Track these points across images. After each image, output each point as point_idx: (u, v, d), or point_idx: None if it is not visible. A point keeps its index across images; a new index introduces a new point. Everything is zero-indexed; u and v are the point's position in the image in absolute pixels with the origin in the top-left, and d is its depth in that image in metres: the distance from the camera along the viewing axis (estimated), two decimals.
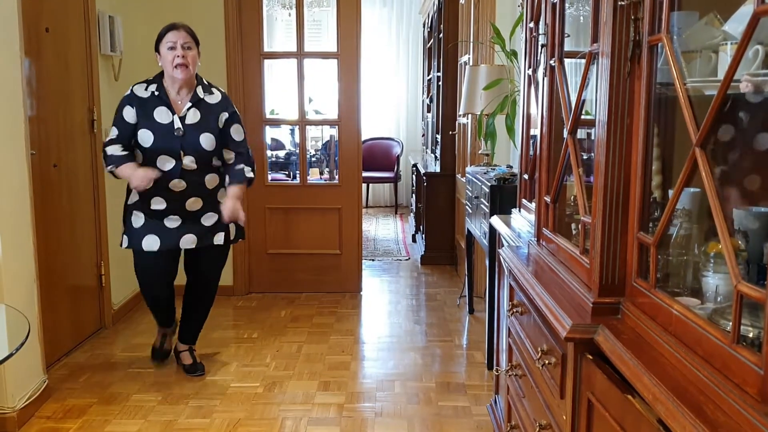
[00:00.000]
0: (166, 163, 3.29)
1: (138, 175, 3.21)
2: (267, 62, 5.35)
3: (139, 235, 3.37)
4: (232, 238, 3.54)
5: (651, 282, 1.42)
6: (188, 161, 3.30)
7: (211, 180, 3.41)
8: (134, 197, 3.39)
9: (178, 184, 3.32)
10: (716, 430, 1.02)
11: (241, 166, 3.41)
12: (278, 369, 3.75)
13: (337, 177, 5.30)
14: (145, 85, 3.35)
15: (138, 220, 3.38)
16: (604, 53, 1.53)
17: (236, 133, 3.43)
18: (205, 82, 3.44)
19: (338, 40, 5.03)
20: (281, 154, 8.38)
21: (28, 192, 3.21)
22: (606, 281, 1.56)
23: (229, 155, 3.44)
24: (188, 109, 3.32)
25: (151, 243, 3.35)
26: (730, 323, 1.12)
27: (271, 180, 5.55)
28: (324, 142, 8.64)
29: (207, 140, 3.33)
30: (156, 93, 3.31)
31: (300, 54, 5.04)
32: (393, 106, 9.76)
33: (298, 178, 5.45)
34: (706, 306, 1.32)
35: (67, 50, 3.90)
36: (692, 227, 1.43)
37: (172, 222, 3.38)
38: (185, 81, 3.31)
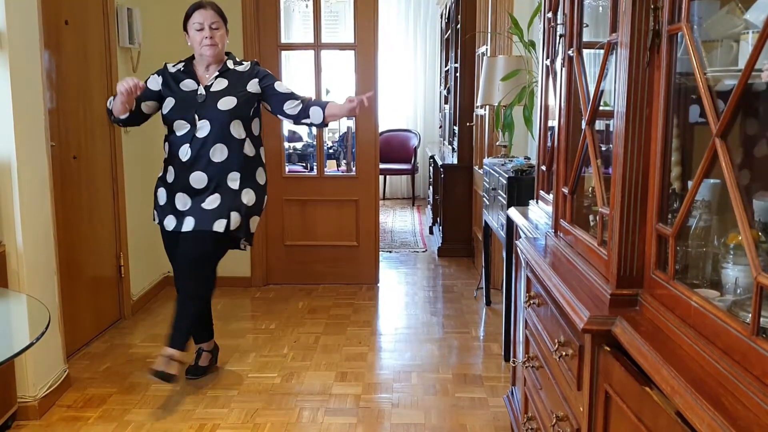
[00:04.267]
0: (181, 128, 3.23)
1: (122, 84, 3.07)
2: (284, 54, 5.36)
3: (162, 211, 3.33)
4: (232, 228, 3.22)
5: (669, 274, 1.40)
6: (201, 125, 3.19)
7: (216, 151, 3.20)
8: (161, 172, 3.36)
9: (185, 152, 3.21)
10: (735, 423, 1.01)
11: (307, 100, 3.35)
12: (296, 360, 3.77)
13: (354, 169, 5.30)
14: (175, 63, 3.36)
15: (162, 196, 3.33)
16: (623, 43, 1.52)
17: (280, 85, 3.35)
18: (237, 59, 3.39)
19: (355, 32, 5.03)
20: (299, 145, 8.41)
21: (48, 184, 3.24)
22: (624, 273, 1.55)
23: (291, 105, 3.32)
24: (215, 78, 3.28)
25: (169, 222, 3.30)
26: (750, 315, 1.11)
27: (289, 172, 5.57)
28: (341, 133, 8.65)
29: (226, 102, 3.21)
30: (182, 69, 3.31)
31: (317, 45, 5.04)
32: (410, 97, 9.75)
33: (315, 170, 5.46)
34: (726, 298, 1.31)
35: (86, 43, 3.93)
36: (712, 219, 1.42)
37: (181, 202, 3.26)
38: (214, 58, 3.28)
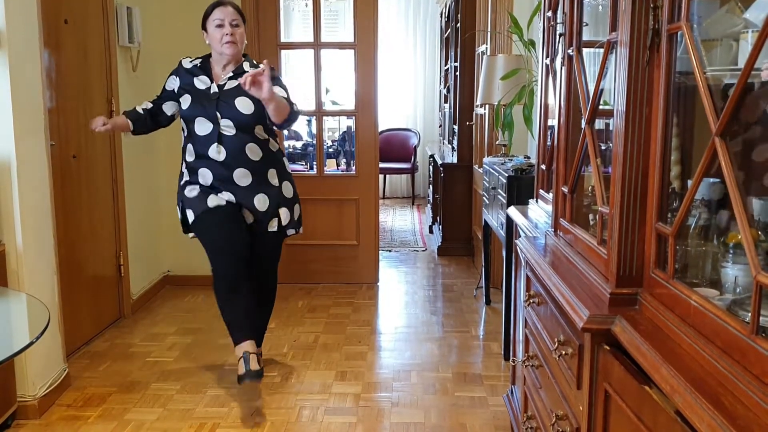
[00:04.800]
0: (204, 127, 3.16)
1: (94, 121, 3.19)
2: (284, 53, 5.36)
3: (199, 200, 3.20)
4: (284, 223, 3.30)
5: (669, 273, 1.40)
6: (225, 124, 3.14)
7: (252, 150, 3.19)
8: (184, 176, 3.27)
9: (217, 152, 3.15)
10: (735, 422, 1.01)
11: None
12: (295, 359, 3.77)
13: (354, 168, 5.31)
14: (191, 59, 3.32)
15: (193, 191, 3.22)
16: (623, 42, 1.52)
17: (278, 90, 3.20)
18: (254, 62, 3.34)
19: (355, 31, 5.02)
20: (298, 144, 8.40)
21: (47, 183, 3.24)
22: (623, 272, 1.55)
23: None
24: (229, 78, 3.23)
25: (215, 200, 3.18)
26: (749, 314, 1.11)
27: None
28: (341, 132, 8.65)
29: (243, 103, 3.15)
30: (198, 65, 3.27)
31: (317, 44, 5.04)
32: (410, 96, 9.75)
33: (315, 169, 5.46)
34: (725, 297, 1.31)
35: (86, 42, 3.93)
36: (711, 218, 1.42)
37: (226, 194, 3.18)
38: (233, 57, 3.23)
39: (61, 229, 3.46)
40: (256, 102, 3.15)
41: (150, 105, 3.32)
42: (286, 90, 3.23)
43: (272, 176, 3.29)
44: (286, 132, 7.93)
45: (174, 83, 3.28)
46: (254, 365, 3.05)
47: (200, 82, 3.24)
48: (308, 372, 3.59)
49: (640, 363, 1.32)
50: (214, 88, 3.20)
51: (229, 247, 3.16)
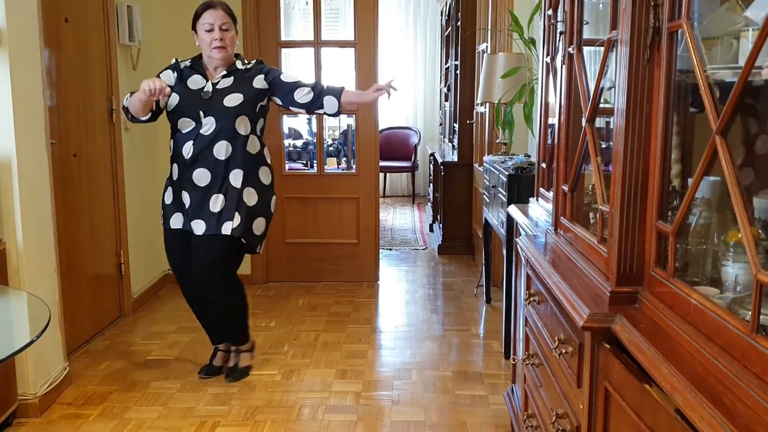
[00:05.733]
0: (186, 127, 3.18)
1: (147, 84, 2.98)
2: (284, 51, 5.36)
3: (167, 212, 3.30)
4: (234, 227, 3.16)
5: (669, 271, 1.40)
6: (206, 122, 3.14)
7: (220, 149, 3.14)
8: (168, 172, 3.32)
9: (188, 149, 3.15)
10: (735, 420, 1.01)
11: (319, 89, 3.29)
12: (296, 357, 3.77)
13: (354, 166, 5.31)
14: (183, 60, 3.31)
15: (168, 195, 3.30)
16: (623, 40, 1.52)
17: (287, 76, 3.27)
18: (245, 60, 3.34)
19: (355, 29, 5.02)
20: (298, 143, 8.40)
21: (48, 181, 3.24)
22: (624, 270, 1.55)
23: (302, 93, 3.26)
24: (222, 77, 3.22)
25: (176, 220, 3.27)
26: (750, 313, 1.11)
27: (289, 169, 5.57)
28: (341, 131, 8.64)
29: (232, 99, 3.16)
30: (189, 66, 3.27)
31: (317, 43, 5.04)
32: (410, 95, 9.74)
33: (315, 168, 5.46)
34: (725, 295, 1.31)
35: (87, 40, 3.93)
36: (712, 216, 1.41)
37: (186, 200, 3.22)
38: (223, 61, 3.22)
39: (61, 228, 3.46)
40: (248, 99, 3.19)
41: None
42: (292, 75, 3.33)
43: (235, 177, 3.19)
44: (286, 131, 7.93)
45: (170, 77, 3.26)
46: (217, 361, 3.53)
47: (193, 83, 3.23)
48: (308, 370, 3.59)
49: (641, 361, 1.32)
50: (209, 87, 3.20)
51: (183, 273, 3.35)
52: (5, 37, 2.89)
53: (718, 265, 1.37)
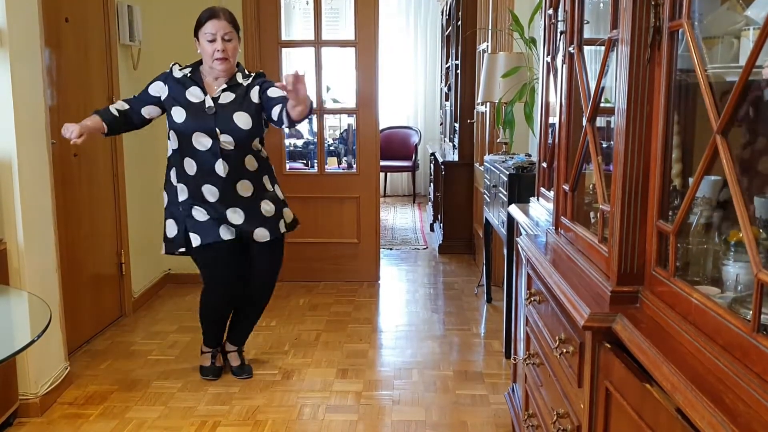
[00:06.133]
0: (203, 141, 3.12)
1: (66, 128, 2.97)
2: (285, 51, 5.35)
3: (209, 227, 3.20)
4: (283, 231, 3.38)
5: (670, 271, 1.40)
6: (225, 139, 3.12)
7: (250, 161, 3.22)
8: (183, 194, 3.21)
9: (223, 167, 3.13)
10: (736, 420, 1.01)
11: None
12: (296, 357, 3.77)
13: (355, 166, 5.31)
14: (181, 67, 3.25)
15: (201, 214, 3.20)
16: (624, 40, 1.52)
17: (274, 90, 3.15)
18: (246, 71, 3.29)
19: (356, 29, 5.02)
20: (299, 143, 8.39)
21: (48, 181, 3.24)
22: (624, 270, 1.55)
23: (276, 110, 3.11)
24: (222, 90, 3.17)
25: (225, 232, 3.21)
26: (751, 312, 1.11)
27: (289, 169, 5.57)
28: (342, 130, 8.64)
29: (242, 119, 3.14)
30: (189, 75, 3.20)
31: (318, 42, 5.03)
32: (411, 94, 9.74)
33: (316, 167, 5.46)
34: (726, 295, 1.31)
35: (87, 40, 3.93)
36: (712, 215, 1.41)
37: (235, 218, 3.21)
38: (224, 72, 3.18)
39: (62, 228, 3.46)
40: (254, 116, 3.18)
41: (126, 106, 3.22)
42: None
43: (267, 181, 3.34)
44: (287, 130, 7.92)
45: (161, 91, 3.21)
46: (219, 362, 3.54)
47: (192, 95, 3.17)
48: (309, 370, 3.59)
49: (641, 361, 1.32)
50: (209, 102, 3.15)
51: (229, 288, 3.37)
52: (6, 36, 2.89)
53: (719, 265, 1.37)
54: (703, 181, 1.32)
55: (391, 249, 6.36)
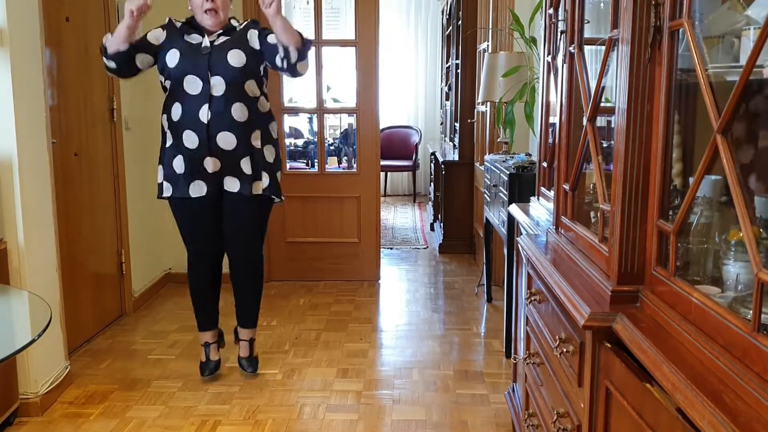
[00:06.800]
0: (194, 85, 3.05)
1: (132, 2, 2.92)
2: None
3: (181, 181, 3.15)
4: (264, 188, 3.22)
5: (670, 270, 1.40)
6: (216, 81, 3.04)
7: (238, 110, 3.09)
8: (169, 140, 3.16)
9: (206, 113, 3.04)
10: (736, 419, 1.01)
11: None
12: (297, 356, 3.77)
13: (355, 165, 5.31)
14: (178, 20, 3.22)
15: (180, 164, 3.13)
16: (624, 39, 1.52)
17: (271, 38, 3.10)
18: (240, 21, 3.24)
19: (356, 28, 5.02)
20: (299, 142, 8.40)
21: (49, 181, 3.24)
22: (625, 269, 1.55)
23: (280, 57, 3.09)
24: (219, 35, 3.12)
25: (197, 188, 3.14)
26: (751, 312, 1.11)
27: (290, 168, 5.57)
28: (342, 130, 8.64)
29: (235, 56, 3.07)
30: (186, 21, 3.17)
31: (318, 42, 5.03)
32: (411, 94, 9.74)
33: (316, 167, 5.46)
34: (727, 294, 1.31)
35: (87, 40, 3.92)
36: (713, 215, 1.41)
37: (212, 165, 3.12)
38: (215, 28, 3.12)
39: (62, 227, 3.46)
40: (249, 55, 3.11)
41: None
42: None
43: (255, 138, 3.19)
44: (287, 130, 7.93)
45: (160, 36, 3.15)
46: (213, 356, 3.47)
47: (191, 38, 3.12)
48: (309, 369, 3.59)
49: (642, 360, 1.32)
50: (206, 42, 3.10)
51: (206, 247, 3.33)
52: (6, 36, 2.89)
53: (719, 264, 1.37)
54: (704, 181, 1.32)
55: (391, 248, 6.36)
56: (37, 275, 3.11)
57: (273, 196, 3.30)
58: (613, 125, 1.66)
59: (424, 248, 6.42)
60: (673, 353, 1.26)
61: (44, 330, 2.06)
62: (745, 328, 1.11)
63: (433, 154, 7.46)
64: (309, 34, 5.20)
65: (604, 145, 1.86)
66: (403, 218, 8.06)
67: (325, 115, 6.47)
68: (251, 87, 3.16)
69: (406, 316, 4.48)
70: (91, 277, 3.98)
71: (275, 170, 3.30)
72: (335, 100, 8.18)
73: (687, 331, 1.29)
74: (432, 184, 7.56)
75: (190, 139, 3.11)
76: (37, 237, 3.12)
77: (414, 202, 9.25)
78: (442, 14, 8.15)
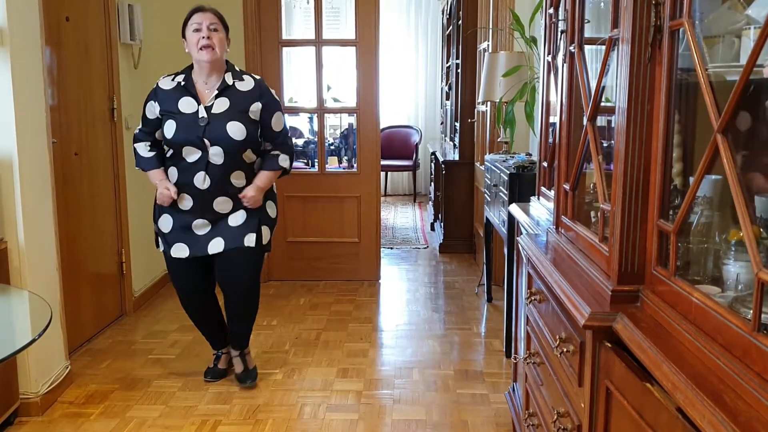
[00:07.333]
0: (192, 155, 3.07)
1: (161, 195, 3.12)
2: (285, 50, 5.36)
3: (169, 240, 3.21)
4: (264, 242, 3.26)
5: (671, 270, 1.40)
6: (215, 152, 3.05)
7: (238, 176, 3.14)
8: None
9: (203, 180, 3.07)
10: (736, 419, 1.01)
11: (277, 152, 3.20)
12: (297, 356, 3.77)
13: (355, 165, 5.31)
14: (173, 76, 3.17)
15: (167, 223, 3.19)
16: (625, 39, 1.52)
17: (276, 123, 3.18)
18: (237, 69, 3.19)
19: (357, 28, 5.02)
20: (300, 142, 8.36)
21: (49, 180, 3.24)
22: (625, 269, 1.55)
23: (267, 147, 3.22)
24: (215, 97, 3.09)
25: (179, 250, 3.19)
26: (751, 311, 1.11)
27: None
28: (342, 130, 8.63)
29: (235, 129, 3.06)
30: (182, 83, 3.12)
31: (318, 42, 5.03)
32: (411, 93, 9.73)
33: (316, 167, 5.46)
34: (727, 294, 1.31)
35: (87, 39, 3.93)
36: (713, 215, 1.41)
37: (201, 228, 3.17)
38: (212, 65, 3.08)
39: (62, 227, 3.46)
40: (249, 126, 3.11)
41: (149, 142, 3.21)
42: (283, 121, 3.24)
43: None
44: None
45: (154, 109, 3.15)
46: (222, 365, 3.49)
47: (185, 105, 3.10)
48: (310, 369, 3.59)
49: (642, 360, 1.32)
50: (202, 112, 3.07)
51: (194, 297, 3.36)
52: (6, 36, 2.89)
53: (720, 264, 1.37)
54: (704, 180, 1.32)
55: (391, 248, 6.36)
56: (38, 275, 3.11)
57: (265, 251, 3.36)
58: (613, 125, 1.66)
59: (425, 248, 6.42)
60: (674, 353, 1.26)
61: (44, 330, 2.06)
62: (745, 327, 1.11)
63: (433, 153, 7.46)
64: (309, 34, 5.22)
65: (605, 144, 1.86)
66: (403, 218, 8.06)
67: (326, 115, 6.47)
68: (249, 154, 3.17)
69: (406, 316, 4.48)
70: (91, 276, 3.98)
71: (274, 225, 3.36)
72: (335, 100, 8.18)
73: (687, 331, 1.29)
74: (432, 183, 7.56)
75: (183, 202, 3.16)
76: (38, 237, 3.12)
77: (414, 201, 9.25)
78: (443, 14, 8.15)
